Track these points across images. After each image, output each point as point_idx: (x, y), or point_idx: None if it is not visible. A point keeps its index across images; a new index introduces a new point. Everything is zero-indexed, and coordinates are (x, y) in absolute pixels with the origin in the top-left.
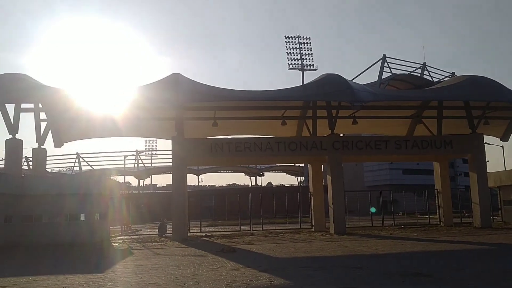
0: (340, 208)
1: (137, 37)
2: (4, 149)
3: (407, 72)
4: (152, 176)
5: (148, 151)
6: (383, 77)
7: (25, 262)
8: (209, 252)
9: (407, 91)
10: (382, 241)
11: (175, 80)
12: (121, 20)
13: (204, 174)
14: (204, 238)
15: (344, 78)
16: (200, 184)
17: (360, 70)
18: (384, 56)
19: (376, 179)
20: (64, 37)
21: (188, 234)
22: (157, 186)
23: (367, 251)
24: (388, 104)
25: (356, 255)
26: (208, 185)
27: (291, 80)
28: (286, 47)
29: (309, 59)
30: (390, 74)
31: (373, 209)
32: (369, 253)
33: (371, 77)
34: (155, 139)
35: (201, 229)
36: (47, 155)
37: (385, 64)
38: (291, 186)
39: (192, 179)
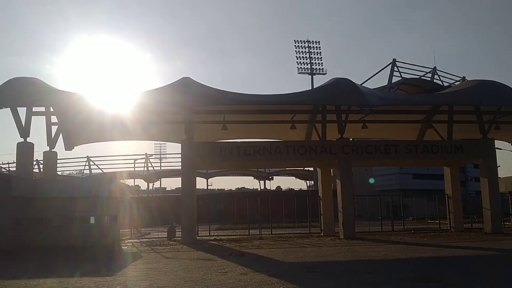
0: (349, 212)
1: (148, 44)
2: (16, 152)
3: (417, 77)
4: (162, 179)
5: (158, 154)
6: (393, 82)
7: (35, 264)
8: (218, 256)
9: (417, 96)
10: (392, 246)
11: (185, 84)
12: (132, 27)
13: (213, 178)
14: (213, 242)
15: (354, 82)
16: (209, 187)
17: (369, 74)
18: (394, 60)
19: (386, 183)
20: (79, 46)
21: (197, 237)
22: (167, 189)
23: (376, 256)
24: (398, 109)
25: (366, 260)
26: (217, 189)
27: (301, 84)
28: (296, 51)
29: (319, 63)
30: (400, 78)
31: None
32: (379, 258)
33: (381, 81)
34: (165, 142)
35: (210, 233)
36: (58, 158)
37: (395, 68)
38: (300, 190)
39: (201, 183)
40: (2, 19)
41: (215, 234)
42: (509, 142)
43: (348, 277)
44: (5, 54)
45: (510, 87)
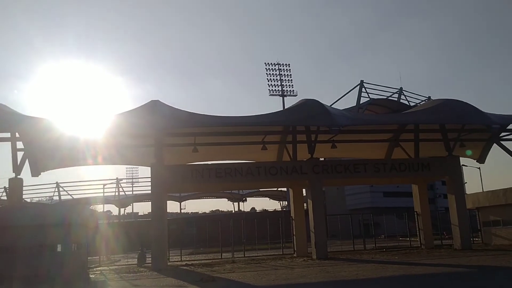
0: (321, 232)
1: (119, 67)
2: None
3: (384, 97)
4: (134, 204)
5: (130, 178)
6: (361, 102)
7: None
8: (188, 282)
9: (384, 115)
10: (364, 265)
11: (154, 107)
12: (101, 51)
13: (186, 201)
14: (184, 267)
15: (322, 103)
16: (182, 211)
17: (339, 95)
18: (362, 81)
19: (358, 202)
20: (47, 71)
21: (168, 263)
22: (139, 214)
23: (348, 276)
24: (366, 128)
25: (337, 280)
26: (191, 212)
27: (273, 105)
28: (267, 73)
29: (289, 85)
30: (368, 99)
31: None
32: (350, 279)
33: (349, 102)
34: (137, 166)
35: (181, 258)
36: (26, 184)
37: (363, 89)
38: (274, 211)
39: (174, 206)
40: None
41: (187, 259)
42: (474, 159)
43: None
44: None
45: (473, 106)
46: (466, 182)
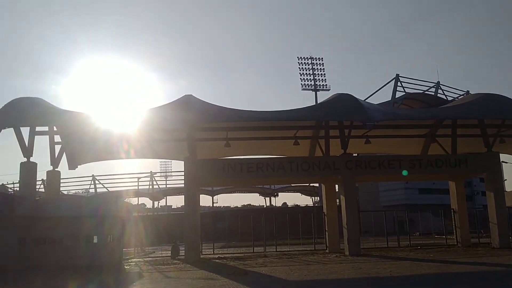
0: (354, 229)
1: (153, 63)
2: (19, 172)
3: (421, 91)
4: (168, 197)
5: (163, 172)
6: (396, 97)
7: (38, 286)
8: (220, 275)
9: (420, 110)
10: (398, 262)
11: (187, 101)
12: (137, 47)
13: (218, 195)
14: (217, 260)
15: (356, 98)
16: (215, 205)
17: (373, 90)
18: (397, 75)
19: (392, 198)
20: (85, 66)
21: (201, 256)
22: (172, 207)
23: (381, 273)
24: (402, 123)
25: (370, 277)
26: (223, 206)
27: (305, 100)
28: (299, 68)
29: (322, 79)
30: (404, 93)
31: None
32: (383, 276)
33: (384, 96)
34: (170, 160)
35: (214, 251)
36: (63, 177)
37: (398, 83)
38: (306, 207)
39: (207, 200)
40: (9, 41)
41: (220, 252)
42: None
43: None
44: (12, 75)
45: None
46: (505, 179)
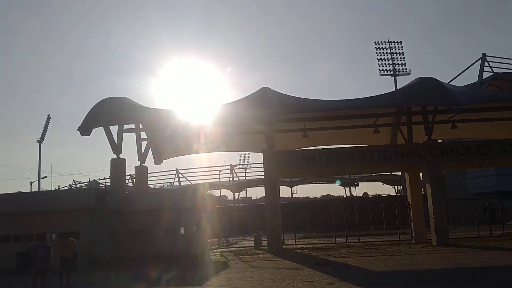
0: (441, 218)
1: (228, 58)
2: (110, 168)
3: (511, 71)
4: (247, 189)
5: (242, 164)
6: (483, 77)
7: (132, 274)
8: (304, 265)
9: (510, 91)
10: (490, 252)
11: (263, 95)
12: (212, 43)
13: (297, 186)
14: (298, 251)
15: (439, 81)
16: (293, 195)
17: (456, 72)
18: (484, 55)
19: (482, 186)
20: (168, 65)
21: (283, 246)
22: (252, 198)
23: (472, 263)
24: (491, 106)
25: (460, 267)
26: (302, 197)
27: (383, 86)
28: (376, 53)
29: (401, 63)
30: (492, 73)
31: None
32: (475, 266)
33: (470, 78)
34: (248, 152)
35: (295, 241)
36: (149, 172)
37: (486, 64)
38: (388, 196)
39: (285, 191)
40: (102, 43)
41: (301, 242)
42: None
43: (445, 287)
44: (109, 74)
45: None
46: None
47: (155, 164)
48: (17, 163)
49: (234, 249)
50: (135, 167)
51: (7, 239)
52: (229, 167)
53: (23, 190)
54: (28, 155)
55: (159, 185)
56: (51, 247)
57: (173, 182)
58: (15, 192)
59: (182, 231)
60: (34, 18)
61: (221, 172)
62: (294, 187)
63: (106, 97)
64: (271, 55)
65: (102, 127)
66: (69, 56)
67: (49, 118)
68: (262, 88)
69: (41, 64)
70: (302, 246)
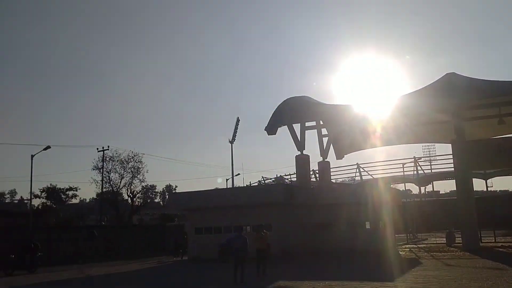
0: None
1: (405, 46)
2: (295, 164)
3: None
4: (434, 182)
5: (427, 156)
6: None
7: (319, 267)
8: (507, 265)
9: None
10: None
11: (450, 80)
12: (385, 33)
13: (492, 178)
14: (500, 249)
15: None
16: (489, 189)
17: None
18: None
19: None
20: (347, 62)
21: (481, 244)
22: (440, 192)
23: None
24: None
25: None
26: (499, 190)
27: None
28: None
29: None
30: None
31: None
32: None
33: None
34: (433, 144)
35: (495, 239)
36: (331, 167)
37: None
38: None
39: (479, 184)
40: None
41: (502, 240)
42: None
43: None
44: (289, 73)
45: None
46: None
47: (336, 159)
48: (213, 163)
49: (424, 245)
50: (318, 162)
51: (209, 230)
52: (413, 160)
53: (219, 187)
54: (221, 155)
55: (341, 179)
56: (247, 238)
57: (355, 176)
58: (213, 188)
59: (367, 226)
60: (224, 32)
61: (404, 166)
62: (489, 179)
63: (288, 97)
64: (455, 37)
65: (285, 126)
66: (250, 61)
67: (238, 120)
68: (448, 73)
69: (229, 71)
70: (503, 244)
